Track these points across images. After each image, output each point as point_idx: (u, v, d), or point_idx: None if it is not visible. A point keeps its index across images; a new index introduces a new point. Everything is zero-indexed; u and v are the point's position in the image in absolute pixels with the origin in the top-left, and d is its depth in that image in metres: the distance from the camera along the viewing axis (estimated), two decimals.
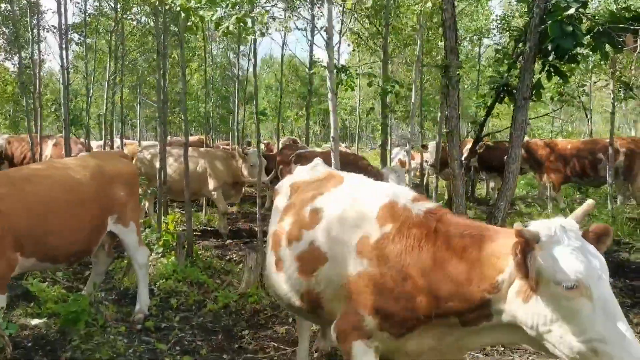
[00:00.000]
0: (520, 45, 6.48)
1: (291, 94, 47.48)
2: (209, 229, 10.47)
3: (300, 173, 4.10)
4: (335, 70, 5.38)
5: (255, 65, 7.06)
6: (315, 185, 3.69)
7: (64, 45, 8.79)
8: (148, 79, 18.24)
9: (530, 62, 5.82)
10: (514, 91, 6.53)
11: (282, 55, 10.83)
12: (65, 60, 8.76)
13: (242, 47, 24.95)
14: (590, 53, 6.56)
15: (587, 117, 14.67)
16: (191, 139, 19.73)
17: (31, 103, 11.61)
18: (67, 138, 8.54)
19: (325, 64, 5.78)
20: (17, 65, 14.44)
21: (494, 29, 13.01)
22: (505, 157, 6.27)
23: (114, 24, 11.83)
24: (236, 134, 16.12)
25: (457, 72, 5.93)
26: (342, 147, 18.16)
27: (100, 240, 5.11)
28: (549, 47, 5.60)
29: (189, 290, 6.23)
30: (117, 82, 13.52)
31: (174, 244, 7.86)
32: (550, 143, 12.20)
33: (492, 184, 14.24)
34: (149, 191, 8.09)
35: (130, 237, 5.40)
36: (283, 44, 12.34)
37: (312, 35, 11.61)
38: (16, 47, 14.28)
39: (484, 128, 7.02)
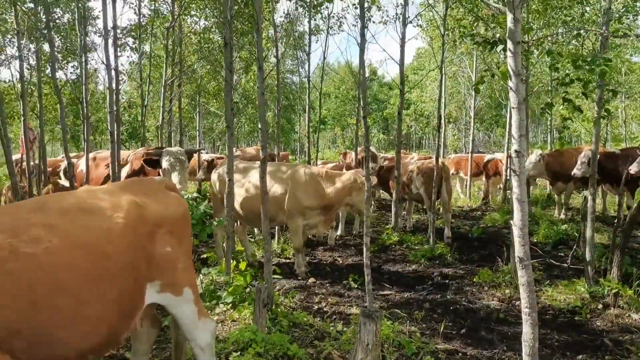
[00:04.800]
0: None
1: (352, 102, 45.83)
2: (284, 260, 8.62)
3: None
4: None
5: (362, 51, 5.09)
6: None
7: (110, 42, 7.17)
8: (207, 86, 16.81)
9: None
10: None
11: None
12: (113, 60, 7.14)
13: (300, 54, 23.33)
14: None
15: None
16: (251, 150, 18.15)
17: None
18: (114, 154, 6.88)
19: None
20: (67, 77, 13.23)
21: None
22: None
23: (170, 19, 10.23)
24: (306, 144, 14.21)
25: None
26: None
27: (134, 323, 3.28)
28: None
29: None
30: (174, 88, 11.94)
31: (247, 288, 6.07)
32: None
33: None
34: (215, 222, 6.29)
35: (185, 310, 3.53)
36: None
37: (405, 25, 9.58)
38: (67, 58, 13.13)
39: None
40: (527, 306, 3.22)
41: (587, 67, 3.38)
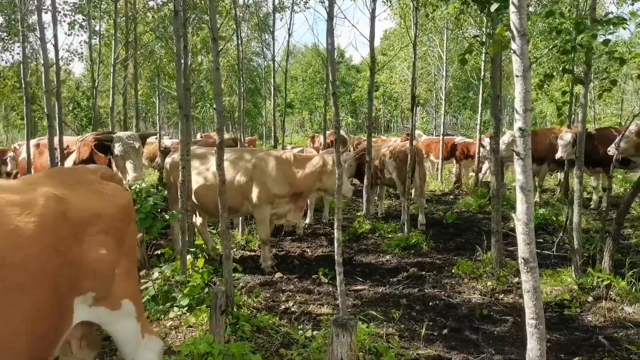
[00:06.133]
0: None
1: (319, 84, 45.05)
2: (248, 253, 7.97)
3: None
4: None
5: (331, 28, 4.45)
6: None
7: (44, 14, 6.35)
8: (167, 68, 15.88)
9: None
10: None
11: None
12: (50, 33, 6.31)
13: (266, 36, 22.57)
14: None
15: None
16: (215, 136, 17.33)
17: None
18: (52, 140, 6.10)
19: None
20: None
21: None
22: None
23: None
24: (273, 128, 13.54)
25: None
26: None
27: (57, 347, 2.62)
28: None
29: None
30: (127, 68, 11.06)
31: (206, 288, 5.43)
32: None
33: (593, 182, 11.43)
34: (167, 216, 5.60)
35: (125, 327, 2.88)
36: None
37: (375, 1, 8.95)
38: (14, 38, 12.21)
39: None
40: (534, 317, 2.68)
41: (599, 27, 2.84)
